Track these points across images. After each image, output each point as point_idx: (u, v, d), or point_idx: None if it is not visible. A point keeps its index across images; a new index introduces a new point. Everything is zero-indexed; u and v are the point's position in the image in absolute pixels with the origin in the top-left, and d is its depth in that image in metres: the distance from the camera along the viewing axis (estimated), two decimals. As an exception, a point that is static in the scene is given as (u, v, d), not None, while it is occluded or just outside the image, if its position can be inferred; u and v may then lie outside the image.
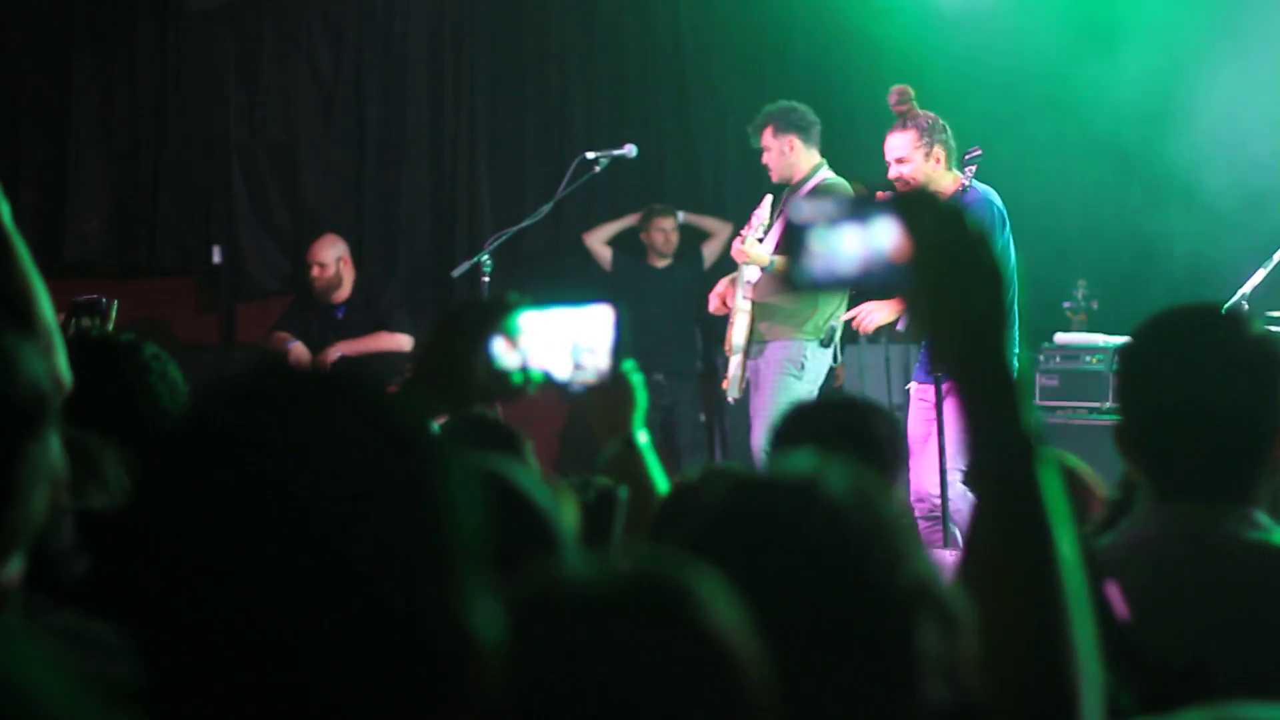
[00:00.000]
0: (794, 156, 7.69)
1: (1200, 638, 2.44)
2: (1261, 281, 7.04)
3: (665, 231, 9.77)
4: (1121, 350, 2.73)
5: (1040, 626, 1.65)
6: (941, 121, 6.94)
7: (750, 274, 7.53)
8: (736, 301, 7.59)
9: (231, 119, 10.42)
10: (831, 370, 7.74)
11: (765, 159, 7.76)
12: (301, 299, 9.63)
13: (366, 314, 9.44)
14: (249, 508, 1.21)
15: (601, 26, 10.42)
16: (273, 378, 1.31)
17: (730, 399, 7.84)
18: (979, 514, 1.70)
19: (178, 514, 1.23)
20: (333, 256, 9.43)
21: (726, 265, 8.66)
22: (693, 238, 9.94)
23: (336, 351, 9.19)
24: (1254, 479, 2.59)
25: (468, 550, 1.26)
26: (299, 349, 9.20)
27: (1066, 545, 1.66)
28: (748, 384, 7.64)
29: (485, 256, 7.71)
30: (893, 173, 6.89)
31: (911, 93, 7.04)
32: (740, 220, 8.16)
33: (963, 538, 1.85)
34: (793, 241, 1.74)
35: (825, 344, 7.55)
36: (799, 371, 7.46)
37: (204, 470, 1.24)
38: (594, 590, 1.48)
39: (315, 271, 9.41)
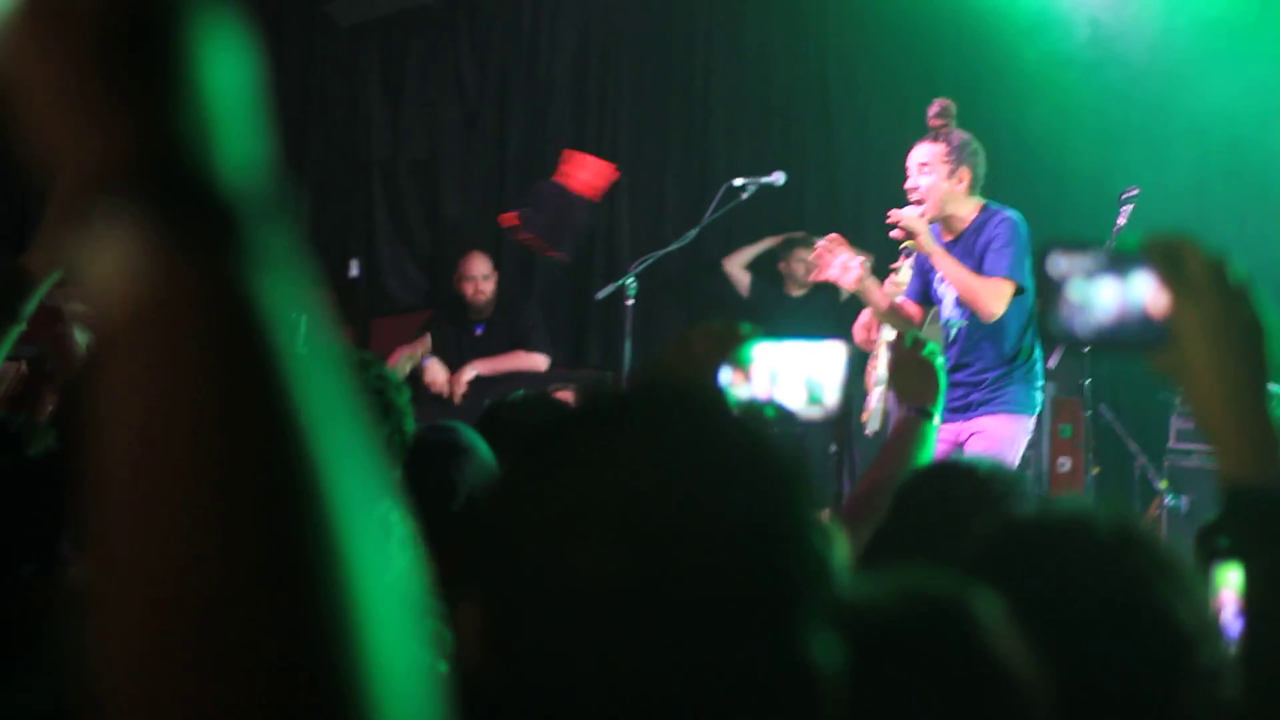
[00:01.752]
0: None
1: None
2: None
3: (806, 262, 9.67)
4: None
5: None
6: (975, 144, 6.71)
7: (897, 308, 7.43)
8: (881, 334, 7.46)
9: (375, 133, 10.50)
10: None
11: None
12: (440, 314, 9.63)
13: (505, 332, 9.44)
14: (611, 530, 1.22)
15: (747, 52, 10.41)
16: (643, 400, 1.31)
17: (869, 431, 7.70)
18: (1247, 572, 1.69)
19: (534, 533, 1.25)
20: (485, 273, 9.43)
21: (867, 296, 8.61)
22: (832, 267, 9.84)
23: (472, 370, 9.16)
24: None
25: (812, 580, 1.27)
26: (435, 365, 9.19)
27: None
28: (887, 417, 7.55)
29: (631, 279, 7.69)
30: (910, 181, 6.72)
31: (954, 109, 6.84)
32: (881, 251, 8.09)
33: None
34: (1049, 293, 1.74)
35: (967, 379, 7.43)
36: (940, 407, 7.35)
37: (565, 492, 1.25)
38: (877, 611, 1.49)
39: (470, 288, 9.35)
